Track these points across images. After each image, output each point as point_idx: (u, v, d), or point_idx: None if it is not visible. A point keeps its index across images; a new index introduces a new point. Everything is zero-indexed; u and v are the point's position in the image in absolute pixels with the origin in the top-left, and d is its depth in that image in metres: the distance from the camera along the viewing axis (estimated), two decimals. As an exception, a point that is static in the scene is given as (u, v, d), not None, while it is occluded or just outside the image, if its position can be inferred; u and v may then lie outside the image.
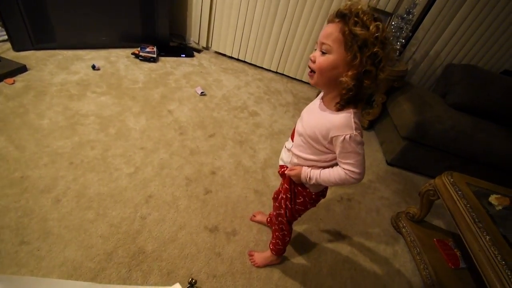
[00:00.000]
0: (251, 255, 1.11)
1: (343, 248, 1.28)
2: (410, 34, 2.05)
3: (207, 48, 2.71)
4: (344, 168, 0.71)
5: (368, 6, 0.61)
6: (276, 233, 1.02)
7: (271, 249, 1.08)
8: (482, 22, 2.08)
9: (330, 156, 0.75)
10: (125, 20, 2.13)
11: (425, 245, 1.30)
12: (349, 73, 0.62)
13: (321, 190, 0.89)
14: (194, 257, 1.06)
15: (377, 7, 2.06)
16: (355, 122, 0.66)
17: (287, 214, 0.94)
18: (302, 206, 0.91)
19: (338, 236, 1.33)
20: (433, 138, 1.72)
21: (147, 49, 2.19)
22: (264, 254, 1.10)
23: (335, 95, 0.68)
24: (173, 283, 0.96)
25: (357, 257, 1.26)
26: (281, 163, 0.91)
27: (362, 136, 0.68)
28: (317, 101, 0.77)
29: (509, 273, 0.85)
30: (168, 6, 2.23)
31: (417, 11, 1.96)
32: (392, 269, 1.26)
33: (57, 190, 1.14)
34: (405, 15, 1.93)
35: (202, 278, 1.01)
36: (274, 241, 1.06)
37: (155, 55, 2.18)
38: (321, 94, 0.77)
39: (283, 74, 2.67)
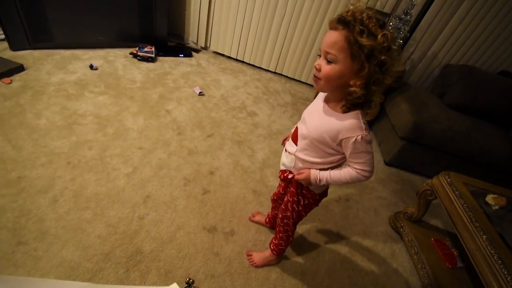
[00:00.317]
0: (249, 255, 1.11)
1: (341, 248, 1.28)
2: (408, 34, 2.06)
3: (205, 48, 2.71)
4: (355, 168, 0.72)
5: (366, 6, 0.61)
6: (280, 234, 1.02)
7: (272, 249, 1.07)
8: (479, 23, 2.09)
9: (337, 157, 0.76)
10: (123, 20, 2.12)
11: (423, 245, 1.30)
12: (358, 82, 0.62)
13: (324, 191, 0.90)
14: (192, 257, 1.06)
15: (375, 7, 2.07)
16: (363, 123, 0.67)
17: (294, 216, 0.95)
18: (308, 207, 0.92)
19: (336, 236, 1.33)
20: (431, 138, 1.73)
21: (145, 49, 2.19)
22: (263, 254, 1.10)
23: (341, 98, 0.69)
24: (171, 283, 0.96)
25: (355, 257, 1.26)
26: (282, 168, 0.90)
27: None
28: (319, 103, 0.76)
29: (505, 272, 0.85)
30: (166, 6, 2.23)
31: (414, 12, 1.97)
32: (390, 268, 1.26)
33: (55, 190, 1.13)
34: (403, 16, 1.94)
35: (200, 278, 1.01)
36: (276, 242, 1.05)
37: (153, 55, 2.17)
38: (322, 96, 0.77)
39: (281, 74, 2.67)
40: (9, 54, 1.77)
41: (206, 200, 1.28)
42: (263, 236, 1.22)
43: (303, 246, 1.23)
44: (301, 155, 0.80)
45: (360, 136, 0.67)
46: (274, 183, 1.46)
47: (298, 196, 0.90)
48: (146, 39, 2.27)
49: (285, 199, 0.95)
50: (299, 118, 0.83)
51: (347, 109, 0.67)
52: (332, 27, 0.62)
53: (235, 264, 1.08)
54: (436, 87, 2.19)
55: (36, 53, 1.87)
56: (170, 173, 1.35)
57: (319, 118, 0.74)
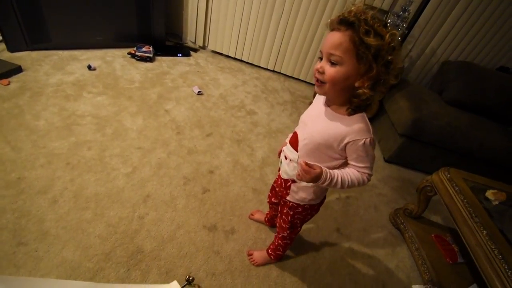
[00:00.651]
0: (250, 255, 1.11)
1: (342, 245, 1.28)
2: (406, 31, 2.06)
3: (203, 47, 2.71)
4: (363, 172, 0.71)
5: (364, 4, 0.60)
6: (279, 241, 1.02)
7: (270, 254, 1.07)
8: (477, 19, 2.09)
9: (340, 161, 0.73)
10: (120, 20, 2.12)
11: (423, 241, 1.31)
12: (366, 84, 0.60)
13: (320, 201, 0.89)
14: (192, 255, 1.06)
15: (373, 4, 2.06)
16: (369, 125, 0.67)
17: (291, 232, 0.98)
18: (309, 216, 0.93)
19: (336, 233, 1.33)
20: (430, 135, 1.73)
21: (143, 49, 2.18)
22: (263, 253, 1.10)
23: (345, 101, 0.67)
24: (171, 281, 0.96)
25: (355, 254, 1.26)
26: (285, 176, 0.85)
27: None
28: (320, 107, 0.73)
29: (506, 267, 0.86)
30: (164, 6, 2.22)
31: (412, 8, 1.97)
32: (390, 265, 1.27)
33: (54, 191, 1.13)
34: (401, 13, 1.94)
35: (201, 277, 1.01)
36: (274, 247, 1.06)
37: (151, 55, 2.17)
38: (321, 99, 0.74)
39: (280, 73, 2.67)
40: (6, 56, 1.77)
41: (206, 199, 1.28)
42: (263, 234, 1.22)
43: (303, 243, 1.24)
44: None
45: (369, 139, 0.66)
46: (274, 181, 1.46)
47: (294, 217, 0.91)
48: (144, 39, 2.26)
49: (280, 220, 0.97)
50: (299, 117, 0.81)
51: (352, 111, 0.65)
52: (334, 28, 0.60)
53: (236, 262, 1.08)
54: (435, 84, 2.19)
55: (34, 54, 1.87)
56: (169, 172, 1.35)
57: (323, 122, 0.71)
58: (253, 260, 1.09)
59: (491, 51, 2.24)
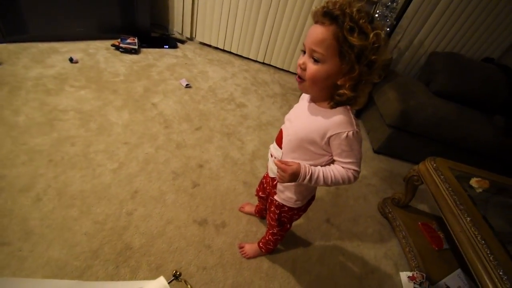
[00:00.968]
0: (241, 247, 1.11)
1: (332, 235, 1.30)
2: (395, 22, 2.06)
3: (191, 38, 2.64)
4: (348, 168, 0.67)
5: None
6: (270, 236, 1.03)
7: (261, 247, 1.08)
8: (463, 10, 2.12)
9: (326, 158, 0.70)
10: (103, 10, 2.03)
11: (410, 229, 1.34)
12: (347, 84, 0.58)
13: (307, 202, 0.89)
14: (183, 250, 1.05)
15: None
16: (353, 118, 0.64)
17: (280, 230, 0.98)
18: (297, 215, 0.93)
19: (326, 223, 1.35)
20: (417, 125, 1.76)
21: (128, 40, 2.11)
22: (254, 246, 1.10)
23: (327, 97, 0.64)
24: (165, 277, 0.95)
25: (345, 243, 1.29)
26: (271, 175, 0.84)
27: None
28: (304, 103, 0.72)
29: (488, 252, 0.89)
30: (148, -5, 2.14)
31: (401, -1, 1.97)
32: (379, 253, 1.30)
33: (37, 188, 1.09)
34: (389, 3, 1.93)
35: (192, 271, 1.00)
36: (264, 241, 1.06)
37: (136, 47, 2.10)
38: (306, 96, 0.73)
39: (270, 65, 2.64)
40: (-19, 48, 1.68)
41: (196, 193, 1.27)
42: (254, 227, 1.22)
43: (294, 235, 1.25)
44: (288, 159, 0.73)
45: (351, 132, 0.62)
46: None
47: (281, 215, 0.90)
48: (129, 30, 2.18)
49: (268, 217, 0.97)
50: (289, 109, 0.80)
51: (335, 105, 0.63)
52: (318, 21, 0.56)
53: (227, 256, 1.08)
54: (423, 75, 2.22)
55: (11, 46, 1.77)
56: (158, 167, 1.32)
57: (306, 117, 0.69)
58: (245, 253, 1.09)
59: (476, 42, 2.28)
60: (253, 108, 1.99)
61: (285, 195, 0.84)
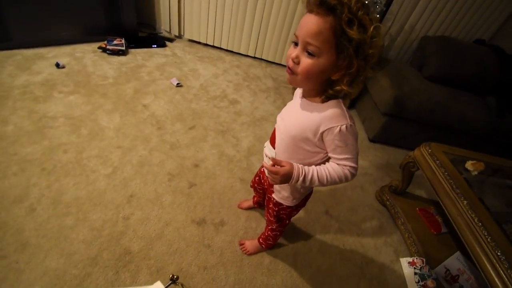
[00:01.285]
0: (241, 244, 1.11)
1: (331, 226, 1.30)
2: (385, 8, 2.04)
3: (179, 36, 2.60)
4: (344, 165, 0.63)
5: None
6: (269, 232, 1.02)
7: (261, 243, 1.07)
8: (453, -9, 2.10)
9: (320, 156, 0.68)
10: (87, 12, 1.98)
11: (408, 215, 1.35)
12: (345, 80, 0.56)
13: (309, 193, 0.88)
14: (183, 251, 1.04)
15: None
16: (346, 111, 0.61)
17: (279, 226, 0.97)
18: (295, 211, 0.92)
19: (325, 215, 1.35)
20: (411, 112, 1.76)
21: (115, 42, 2.06)
22: (255, 242, 1.10)
23: (319, 91, 0.62)
24: (163, 280, 0.95)
25: (345, 234, 1.29)
26: (268, 174, 0.84)
27: None
28: (297, 99, 0.70)
29: (485, 234, 0.89)
30: (132, -7, 2.09)
31: (389, -16, 1.94)
32: (379, 241, 1.30)
33: (31, 198, 1.07)
34: (378, -11, 1.90)
35: (193, 271, 1.00)
36: (264, 237, 1.05)
37: (123, 48, 2.06)
38: (299, 93, 0.71)
39: (261, 59, 2.61)
40: (-37, 58, 1.63)
41: (193, 193, 1.26)
42: (253, 223, 1.22)
43: (294, 228, 1.25)
44: (282, 159, 0.70)
45: (345, 125, 0.59)
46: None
47: (279, 212, 0.90)
48: (115, 31, 2.14)
49: (267, 213, 0.96)
50: (283, 103, 0.79)
51: (326, 99, 0.61)
52: (312, 10, 0.52)
53: (228, 254, 1.08)
54: (415, 60, 2.20)
55: (-6, 54, 1.73)
56: (153, 169, 1.31)
57: (297, 114, 0.67)
58: (245, 250, 1.09)
59: (467, 24, 2.26)
60: (246, 104, 1.97)
61: (281, 194, 0.84)
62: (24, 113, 1.41)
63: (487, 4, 2.14)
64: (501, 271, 0.81)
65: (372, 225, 1.37)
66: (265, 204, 0.97)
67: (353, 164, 0.64)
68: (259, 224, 1.22)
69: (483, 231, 0.90)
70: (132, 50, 2.18)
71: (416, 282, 1.12)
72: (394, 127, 1.87)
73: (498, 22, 2.24)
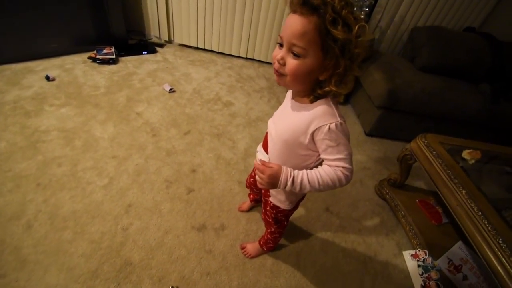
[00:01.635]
0: (243, 248, 1.10)
1: (332, 223, 1.30)
2: (373, 1, 2.04)
3: (170, 41, 2.58)
4: (336, 166, 0.61)
5: None
6: (268, 235, 1.02)
7: (261, 245, 1.07)
8: (440, -19, 2.10)
9: (314, 159, 0.67)
10: (74, 23, 1.96)
11: (409, 207, 1.35)
12: (333, 80, 0.55)
13: (302, 197, 0.87)
14: (184, 259, 1.04)
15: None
16: (336, 109, 0.60)
17: (278, 228, 0.97)
18: (292, 211, 0.91)
19: (326, 212, 1.34)
20: (406, 103, 1.76)
21: (104, 51, 2.05)
22: (256, 245, 1.09)
23: (309, 90, 0.61)
24: (166, 289, 0.94)
25: (346, 230, 1.29)
26: None
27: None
28: (287, 102, 0.69)
29: (486, 222, 0.89)
30: (119, 0, 2.07)
31: (376, -24, 1.94)
32: (380, 235, 1.30)
33: (27, 215, 1.06)
34: (365, -18, 1.90)
35: (195, 278, 0.99)
36: (264, 240, 1.05)
37: (114, 56, 2.04)
38: (289, 96, 0.70)
39: (253, 59, 2.60)
40: (-49, 76, 1.61)
41: (191, 199, 1.25)
42: (254, 225, 1.21)
43: (295, 227, 1.24)
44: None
45: (334, 123, 0.57)
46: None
47: (277, 215, 0.89)
48: (104, 40, 2.12)
49: (265, 216, 0.95)
50: (277, 103, 0.78)
51: (315, 98, 0.60)
52: (296, 10, 0.51)
53: (230, 258, 1.07)
54: (406, 52, 2.20)
55: (-17, 71, 1.71)
56: (149, 177, 1.30)
57: (288, 117, 0.66)
58: (247, 253, 1.09)
59: (457, 12, 2.27)
60: (241, 105, 1.96)
61: (278, 198, 0.83)
62: (16, 128, 1.39)
63: (475, -8, 2.14)
64: (503, 259, 0.81)
65: (373, 220, 1.37)
66: (263, 206, 0.96)
67: (346, 165, 0.61)
68: (260, 226, 1.21)
69: (483, 220, 0.90)
70: (123, 58, 2.16)
71: (420, 275, 1.12)
72: (390, 120, 1.87)
73: (487, 9, 2.24)
